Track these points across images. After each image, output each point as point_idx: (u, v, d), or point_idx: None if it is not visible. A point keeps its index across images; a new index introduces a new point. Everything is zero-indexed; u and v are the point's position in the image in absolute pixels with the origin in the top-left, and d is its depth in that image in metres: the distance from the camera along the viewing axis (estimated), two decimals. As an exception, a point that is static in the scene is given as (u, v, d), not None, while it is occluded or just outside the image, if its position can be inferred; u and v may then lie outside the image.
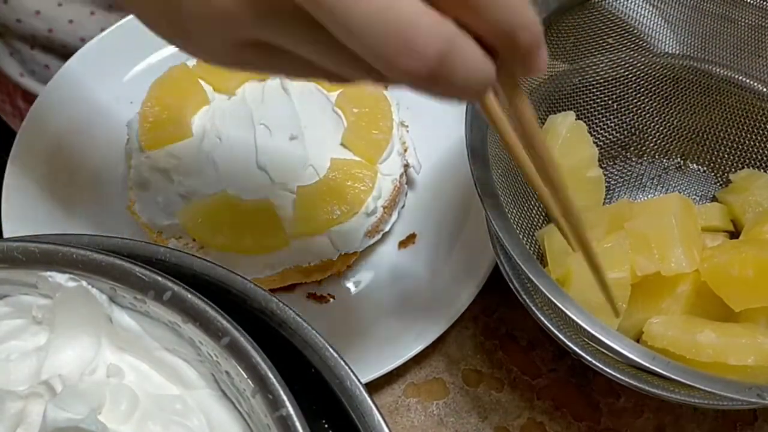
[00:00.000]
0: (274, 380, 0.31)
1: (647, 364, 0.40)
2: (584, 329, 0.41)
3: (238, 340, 0.31)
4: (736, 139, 0.59)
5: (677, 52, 0.58)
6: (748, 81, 0.57)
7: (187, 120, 0.62)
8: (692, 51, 0.58)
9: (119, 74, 0.69)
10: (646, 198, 0.60)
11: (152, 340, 0.35)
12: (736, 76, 0.58)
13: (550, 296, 0.42)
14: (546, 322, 0.49)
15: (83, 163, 0.64)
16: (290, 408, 0.30)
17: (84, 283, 0.33)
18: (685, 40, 0.58)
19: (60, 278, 0.33)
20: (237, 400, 0.33)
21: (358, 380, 0.33)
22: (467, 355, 0.59)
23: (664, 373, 0.40)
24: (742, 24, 0.56)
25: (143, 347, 0.35)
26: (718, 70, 0.58)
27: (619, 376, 0.47)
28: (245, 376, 0.31)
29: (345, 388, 0.33)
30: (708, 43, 0.57)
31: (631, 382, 0.47)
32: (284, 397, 0.30)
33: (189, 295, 0.32)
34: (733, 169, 0.59)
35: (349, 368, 0.33)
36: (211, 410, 0.34)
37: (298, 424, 0.30)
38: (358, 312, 0.59)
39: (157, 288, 0.33)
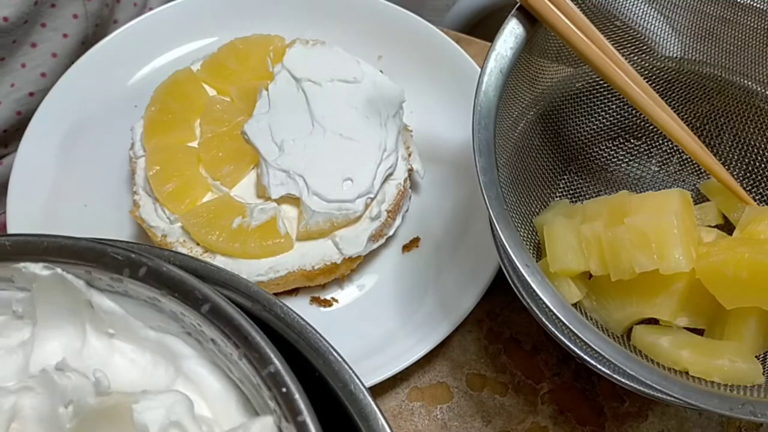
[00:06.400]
0: (258, 338, 0.30)
1: (644, 379, 0.41)
2: (586, 342, 0.42)
3: (218, 304, 0.31)
4: (735, 137, 0.59)
5: (680, 55, 0.58)
6: (751, 84, 0.57)
7: (191, 123, 0.62)
8: (694, 54, 0.58)
9: (124, 78, 0.69)
10: (642, 176, 0.61)
11: (135, 320, 0.34)
12: (740, 80, 0.58)
13: (554, 310, 0.42)
14: (550, 327, 0.49)
15: (87, 167, 0.65)
16: (278, 364, 0.30)
17: (59, 270, 0.33)
18: (688, 43, 0.58)
19: (34, 268, 0.33)
20: (227, 368, 0.33)
21: (362, 384, 0.33)
22: (471, 359, 0.59)
23: (661, 388, 0.41)
24: (745, 27, 0.56)
25: (128, 328, 0.35)
26: (720, 72, 0.58)
27: (623, 380, 0.47)
28: (229, 339, 0.31)
29: (349, 391, 0.33)
30: (710, 46, 0.57)
31: (636, 386, 0.47)
32: (270, 354, 0.30)
33: (164, 268, 0.32)
34: (735, 167, 0.59)
35: (353, 372, 0.33)
36: (202, 381, 0.34)
37: (287, 379, 0.29)
38: (361, 316, 0.60)
39: (132, 265, 0.32)
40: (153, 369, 0.35)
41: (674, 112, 0.54)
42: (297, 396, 0.29)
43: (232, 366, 0.32)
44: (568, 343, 0.48)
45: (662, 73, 0.59)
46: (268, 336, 0.31)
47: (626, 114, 0.60)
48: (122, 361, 0.35)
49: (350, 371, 0.33)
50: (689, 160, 0.60)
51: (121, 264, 0.32)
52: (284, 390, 0.29)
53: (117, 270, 0.32)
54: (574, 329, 0.42)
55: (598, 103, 0.59)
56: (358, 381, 0.33)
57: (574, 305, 0.50)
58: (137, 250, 0.33)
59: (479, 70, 0.49)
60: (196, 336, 0.34)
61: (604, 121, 0.60)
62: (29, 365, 0.34)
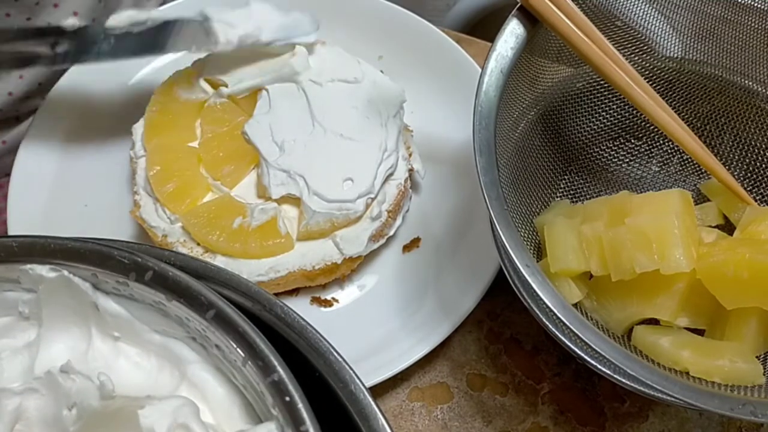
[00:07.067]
0: (263, 347, 0.31)
1: (645, 379, 0.41)
2: (586, 342, 0.42)
3: (223, 310, 0.31)
4: (735, 137, 0.59)
5: (681, 55, 0.58)
6: (751, 84, 0.58)
7: (192, 123, 0.62)
8: (695, 54, 0.58)
9: (124, 78, 0.69)
10: (642, 176, 0.61)
11: (141, 323, 0.34)
12: (740, 80, 0.58)
13: (555, 310, 0.42)
14: (551, 327, 0.49)
15: (87, 167, 0.65)
16: (282, 373, 0.30)
17: (65, 272, 0.33)
18: (689, 43, 0.58)
19: (41, 269, 0.33)
20: (231, 373, 0.33)
21: (363, 384, 0.33)
22: (471, 359, 0.59)
23: (662, 389, 0.41)
24: (746, 27, 0.56)
25: (133, 332, 0.35)
26: (720, 72, 0.58)
27: (624, 380, 0.47)
28: (234, 346, 0.31)
29: (349, 391, 0.33)
30: (711, 46, 0.57)
31: (636, 386, 0.47)
32: (275, 363, 0.30)
33: (171, 273, 0.32)
34: (735, 167, 0.59)
35: (354, 372, 0.33)
36: (206, 387, 0.34)
37: (291, 388, 0.30)
38: (362, 316, 0.59)
39: (138, 269, 0.32)
40: (158, 373, 0.35)
41: (675, 112, 0.54)
42: (300, 405, 0.29)
43: (236, 372, 0.32)
44: (569, 344, 0.48)
45: (663, 74, 0.59)
46: (268, 336, 0.31)
47: (627, 114, 0.60)
48: (127, 365, 0.35)
49: (350, 371, 0.33)
50: (690, 160, 0.60)
51: (128, 268, 0.33)
52: (288, 399, 0.30)
53: (123, 273, 0.33)
54: (574, 329, 0.42)
55: (599, 103, 0.59)
56: (358, 381, 0.33)
57: (575, 305, 0.50)
58: (141, 253, 0.33)
59: (480, 70, 0.49)
60: (201, 341, 0.34)
61: (605, 121, 0.60)
62: (34, 367, 0.34)
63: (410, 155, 0.64)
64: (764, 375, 0.47)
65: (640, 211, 0.49)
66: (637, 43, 0.57)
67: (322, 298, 0.60)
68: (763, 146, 0.58)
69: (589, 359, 0.47)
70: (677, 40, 0.58)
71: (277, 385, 0.30)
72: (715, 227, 0.55)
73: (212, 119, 0.62)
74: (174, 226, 0.58)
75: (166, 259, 0.36)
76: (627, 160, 0.61)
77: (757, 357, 0.48)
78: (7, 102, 0.67)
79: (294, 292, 0.60)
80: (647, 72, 0.58)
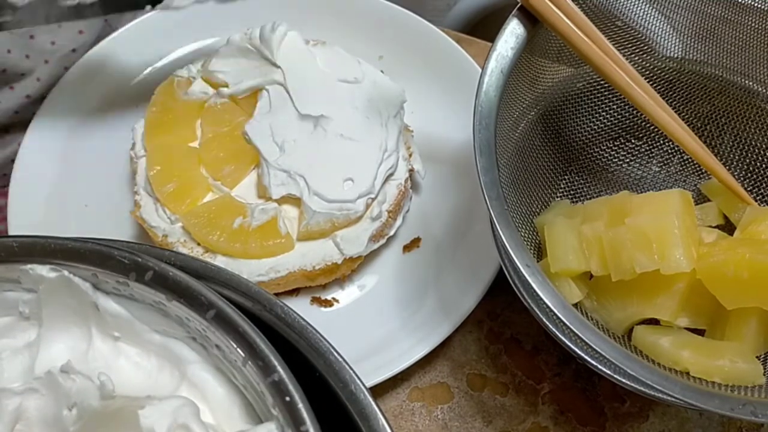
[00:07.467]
0: (263, 347, 0.31)
1: (645, 379, 0.41)
2: (587, 342, 0.42)
3: (223, 310, 0.31)
4: (736, 137, 0.59)
5: (681, 55, 0.58)
6: (751, 84, 0.58)
7: (192, 123, 0.62)
8: (695, 54, 0.58)
9: (125, 78, 0.69)
10: (643, 176, 0.61)
11: (141, 323, 0.35)
12: (740, 80, 0.58)
13: (555, 310, 0.42)
14: (551, 327, 0.49)
15: (88, 167, 0.64)
16: (282, 373, 0.30)
17: (65, 272, 0.33)
18: (689, 43, 0.58)
19: (41, 270, 0.33)
20: (231, 374, 0.33)
21: (363, 384, 0.33)
22: (472, 359, 0.59)
23: (662, 389, 0.41)
24: (746, 27, 0.56)
25: (133, 332, 0.35)
26: (720, 72, 0.58)
27: (624, 380, 0.48)
28: (234, 346, 0.31)
29: (349, 391, 0.33)
30: (711, 46, 0.57)
31: (637, 387, 0.47)
32: (275, 363, 0.30)
33: (171, 273, 0.32)
34: (735, 168, 0.59)
35: (354, 372, 0.33)
36: (206, 387, 0.34)
37: (291, 388, 0.30)
38: (362, 316, 0.59)
39: (138, 269, 0.33)
40: (158, 373, 0.35)
41: (675, 112, 0.54)
42: (300, 405, 0.29)
43: (236, 372, 0.32)
44: (569, 344, 0.48)
45: (663, 74, 0.59)
46: (268, 336, 0.31)
47: (627, 114, 0.60)
48: (127, 365, 0.35)
49: (351, 371, 0.33)
50: (690, 160, 0.60)
51: (128, 268, 0.33)
52: (288, 399, 0.30)
53: (123, 273, 0.33)
54: (574, 329, 0.42)
55: (599, 103, 0.59)
56: (358, 381, 0.33)
57: (575, 305, 0.50)
58: (141, 253, 0.33)
59: (480, 70, 0.49)
60: (201, 341, 0.34)
61: (605, 121, 0.60)
62: (35, 367, 0.34)
63: (410, 155, 0.64)
64: (764, 375, 0.47)
65: (640, 211, 0.49)
66: (637, 43, 0.57)
67: (323, 298, 0.60)
68: (763, 146, 0.58)
69: (589, 359, 0.47)
70: (677, 40, 0.58)
71: (277, 385, 0.30)
72: (715, 227, 0.56)
73: (213, 119, 0.62)
74: (174, 226, 0.58)
75: (167, 259, 0.36)
76: (627, 160, 0.61)
77: (757, 357, 0.48)
78: (24, 104, 0.67)
79: (294, 292, 0.61)
80: (647, 72, 0.58)
